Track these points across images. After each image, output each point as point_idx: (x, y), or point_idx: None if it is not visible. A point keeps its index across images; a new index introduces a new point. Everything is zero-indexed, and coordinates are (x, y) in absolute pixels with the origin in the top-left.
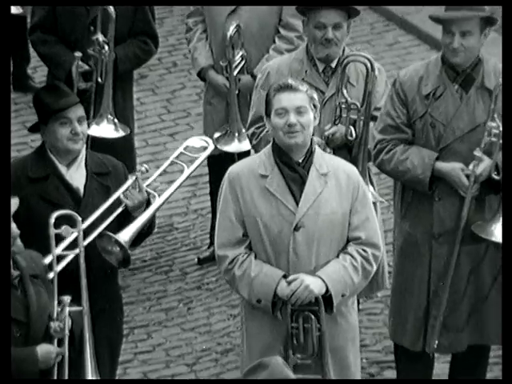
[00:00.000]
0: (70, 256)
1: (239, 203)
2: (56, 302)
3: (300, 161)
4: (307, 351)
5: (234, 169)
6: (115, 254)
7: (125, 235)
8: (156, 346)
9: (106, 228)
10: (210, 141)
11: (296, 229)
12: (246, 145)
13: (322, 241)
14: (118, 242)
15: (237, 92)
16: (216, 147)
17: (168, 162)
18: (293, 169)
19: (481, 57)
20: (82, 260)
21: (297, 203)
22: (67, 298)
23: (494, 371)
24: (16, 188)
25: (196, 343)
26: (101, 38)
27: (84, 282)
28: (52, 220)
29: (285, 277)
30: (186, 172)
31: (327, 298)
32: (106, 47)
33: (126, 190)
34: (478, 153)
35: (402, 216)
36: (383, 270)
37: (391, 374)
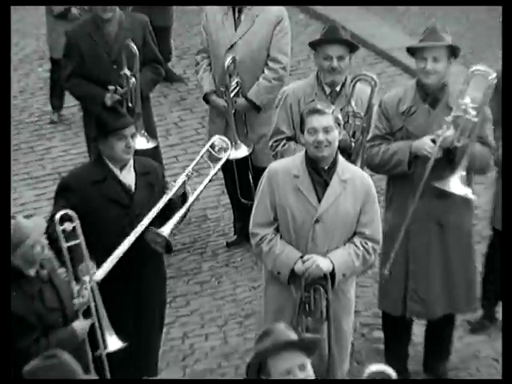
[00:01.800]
0: (77, 241)
1: (274, 194)
2: (74, 283)
3: (326, 168)
4: (316, 316)
5: (273, 166)
6: (160, 244)
7: (166, 229)
8: (193, 311)
9: (155, 218)
10: (229, 143)
11: (316, 222)
12: (240, 152)
13: (336, 233)
14: (161, 235)
15: (233, 111)
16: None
17: (195, 161)
18: (319, 174)
19: (445, 82)
20: (83, 247)
21: (319, 202)
22: (87, 278)
23: (459, 331)
24: (78, 191)
25: (224, 309)
26: (127, 72)
27: (88, 257)
28: (57, 219)
29: (301, 257)
30: (212, 172)
31: (332, 275)
32: (133, 79)
33: (177, 190)
34: (448, 119)
35: (386, 207)
36: None
37: (379, 333)
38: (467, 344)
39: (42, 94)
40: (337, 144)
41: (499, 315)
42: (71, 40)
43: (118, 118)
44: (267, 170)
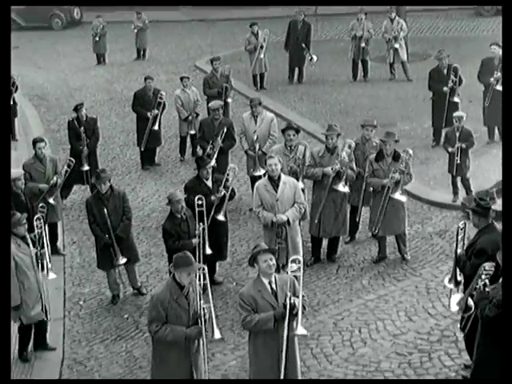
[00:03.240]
0: (202, 209)
1: (259, 194)
2: (196, 223)
3: (276, 179)
4: (282, 238)
5: (259, 182)
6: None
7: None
8: (236, 236)
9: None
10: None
11: (277, 201)
12: (261, 172)
13: (286, 204)
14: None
15: (258, 156)
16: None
17: (225, 176)
18: (274, 182)
19: (336, 145)
20: (204, 210)
21: (276, 192)
22: (201, 225)
23: (341, 243)
24: (191, 188)
25: (248, 234)
26: (220, 139)
27: (205, 214)
28: (196, 199)
29: (275, 215)
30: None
31: (288, 221)
32: (221, 143)
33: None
34: (337, 161)
35: (312, 194)
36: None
37: (310, 244)
38: (344, 248)
39: (177, 151)
40: (280, 169)
41: (357, 235)
42: (202, 125)
43: (203, 161)
44: (256, 184)
